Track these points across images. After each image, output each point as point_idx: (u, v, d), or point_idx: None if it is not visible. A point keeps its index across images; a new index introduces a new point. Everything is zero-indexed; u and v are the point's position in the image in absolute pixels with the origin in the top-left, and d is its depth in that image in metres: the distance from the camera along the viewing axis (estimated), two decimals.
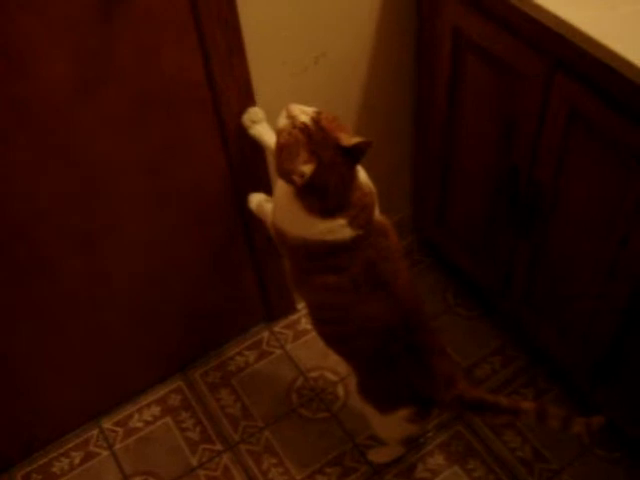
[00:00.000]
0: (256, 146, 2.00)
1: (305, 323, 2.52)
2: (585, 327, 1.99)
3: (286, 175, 1.56)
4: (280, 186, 1.68)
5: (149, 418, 2.37)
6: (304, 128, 1.54)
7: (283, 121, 1.57)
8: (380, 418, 1.96)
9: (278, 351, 2.45)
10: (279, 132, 1.58)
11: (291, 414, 2.32)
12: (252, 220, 2.10)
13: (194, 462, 2.27)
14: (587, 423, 1.67)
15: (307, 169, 1.52)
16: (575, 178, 1.81)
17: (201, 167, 2.02)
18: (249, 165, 2.07)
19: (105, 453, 2.31)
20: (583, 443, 2.17)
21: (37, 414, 2.24)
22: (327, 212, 1.61)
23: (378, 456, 2.21)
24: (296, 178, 1.54)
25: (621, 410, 2.03)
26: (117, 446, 2.32)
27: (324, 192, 1.57)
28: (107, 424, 2.36)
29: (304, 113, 1.55)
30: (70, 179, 1.82)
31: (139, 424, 2.35)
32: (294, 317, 2.54)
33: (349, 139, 1.53)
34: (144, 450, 2.30)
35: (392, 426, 2.01)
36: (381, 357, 1.79)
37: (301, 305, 2.55)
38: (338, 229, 1.62)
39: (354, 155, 1.56)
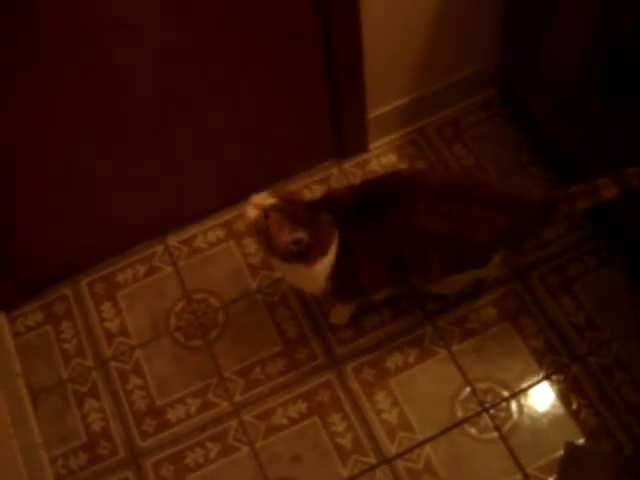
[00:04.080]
0: None
1: (375, 164, 2.50)
2: None
3: (282, 248, 1.75)
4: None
5: (213, 240, 2.42)
6: (275, 207, 1.73)
7: (252, 213, 1.76)
8: (478, 271, 2.04)
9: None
10: (255, 223, 1.76)
11: None
12: (336, 47, 2.08)
13: (253, 286, 2.33)
14: None
15: (301, 234, 1.72)
16: None
17: None
18: None
19: (169, 269, 2.38)
20: (639, 317, 2.19)
21: (105, 225, 2.31)
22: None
23: (445, 290, 2.25)
24: (292, 247, 1.73)
25: None
26: (181, 263, 2.39)
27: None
28: (172, 241, 2.43)
29: (266, 198, 1.75)
30: None
31: (203, 245, 2.41)
32: (365, 157, 2.52)
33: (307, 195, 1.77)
34: (206, 270, 2.37)
35: (483, 273, 2.11)
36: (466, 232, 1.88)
37: (373, 145, 2.53)
38: None
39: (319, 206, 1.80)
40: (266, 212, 1.75)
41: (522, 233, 1.94)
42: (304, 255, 1.80)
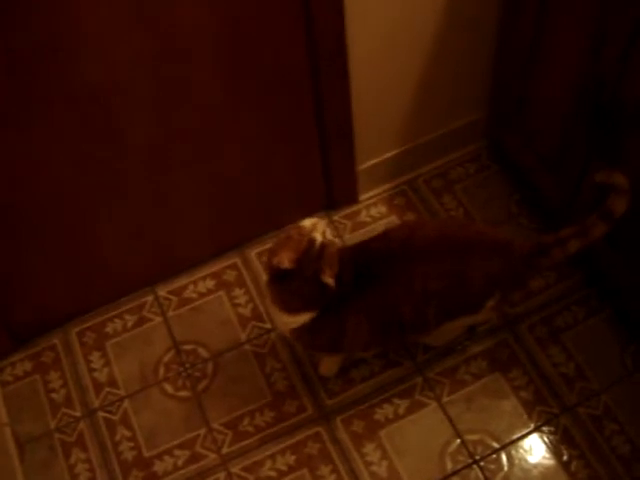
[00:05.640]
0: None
1: (365, 216, 2.52)
2: None
3: (270, 253, 1.79)
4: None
5: (203, 290, 2.42)
6: (312, 241, 1.75)
7: (307, 223, 1.80)
8: (472, 318, 2.05)
9: (336, 240, 2.44)
10: (298, 227, 1.80)
11: None
12: (325, 101, 2.13)
13: (243, 337, 2.33)
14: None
15: (285, 263, 1.72)
16: None
17: (281, 43, 1.96)
18: (330, 49, 2.02)
19: (158, 319, 2.38)
20: (627, 368, 2.19)
21: (96, 275, 2.31)
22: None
23: (436, 341, 2.24)
24: (274, 261, 1.74)
25: None
26: (170, 314, 2.38)
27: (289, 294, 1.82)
28: (162, 292, 2.42)
29: (322, 233, 1.78)
30: (148, 46, 1.79)
31: (193, 295, 2.41)
32: (355, 208, 2.54)
33: (327, 277, 1.74)
34: (196, 320, 2.37)
35: (476, 319, 2.11)
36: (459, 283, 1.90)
37: (363, 196, 2.55)
38: None
39: (324, 287, 1.77)
40: (309, 234, 1.77)
41: (515, 278, 1.95)
42: (274, 295, 1.85)
